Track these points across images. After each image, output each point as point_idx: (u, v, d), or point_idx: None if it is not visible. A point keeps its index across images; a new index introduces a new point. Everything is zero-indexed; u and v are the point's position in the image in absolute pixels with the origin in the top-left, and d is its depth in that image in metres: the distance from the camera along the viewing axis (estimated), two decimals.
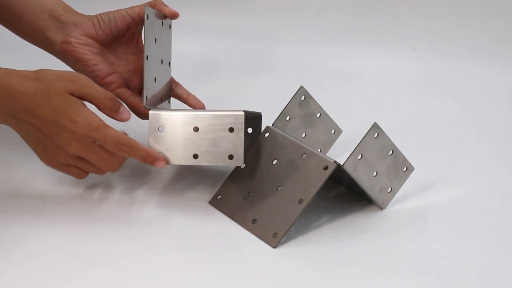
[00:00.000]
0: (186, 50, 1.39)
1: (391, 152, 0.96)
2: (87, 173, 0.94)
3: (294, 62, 1.38)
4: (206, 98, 1.22)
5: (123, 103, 0.93)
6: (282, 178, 0.94)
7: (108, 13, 1.01)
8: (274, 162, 0.96)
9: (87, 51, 1.00)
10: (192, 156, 0.94)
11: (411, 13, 1.40)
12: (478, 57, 1.38)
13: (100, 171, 0.93)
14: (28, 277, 0.83)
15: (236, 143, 0.94)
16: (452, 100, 1.31)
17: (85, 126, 0.88)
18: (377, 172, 0.95)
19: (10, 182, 0.99)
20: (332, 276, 0.87)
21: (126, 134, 0.91)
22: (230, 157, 0.94)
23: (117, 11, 1.01)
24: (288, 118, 1.02)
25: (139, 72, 1.03)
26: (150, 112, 0.94)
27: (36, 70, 0.90)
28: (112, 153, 0.91)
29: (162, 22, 1.01)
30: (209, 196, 0.99)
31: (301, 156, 0.94)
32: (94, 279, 0.83)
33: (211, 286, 0.84)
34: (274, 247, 0.90)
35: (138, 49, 1.03)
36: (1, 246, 0.87)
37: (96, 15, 1.01)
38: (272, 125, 1.00)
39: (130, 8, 1.01)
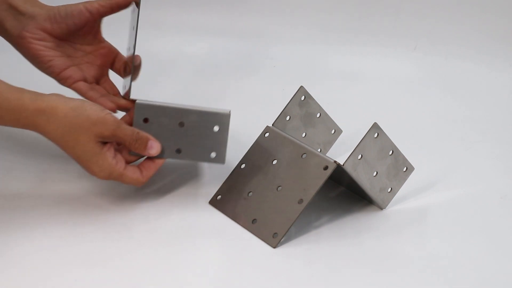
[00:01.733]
0: (186, 50, 1.39)
1: (391, 152, 0.96)
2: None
3: (294, 62, 1.38)
4: (206, 98, 1.22)
5: (151, 137, 0.94)
6: (282, 178, 0.94)
7: (66, 6, 0.99)
8: (274, 162, 0.96)
9: (42, 47, 0.99)
10: (175, 150, 0.95)
11: (411, 13, 1.40)
12: (478, 57, 1.38)
13: None
14: (28, 277, 0.83)
15: (220, 142, 0.96)
16: (452, 100, 1.31)
17: (104, 176, 0.92)
18: (377, 172, 0.95)
19: (9, 182, 0.99)
20: (332, 276, 0.87)
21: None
22: (213, 155, 0.96)
23: (75, 5, 0.99)
24: (288, 118, 1.02)
25: (98, 62, 1.03)
26: (136, 102, 0.95)
27: (76, 106, 0.90)
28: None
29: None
30: (209, 196, 0.99)
31: (301, 156, 0.94)
32: (94, 278, 0.83)
33: (211, 286, 0.84)
34: (274, 247, 0.90)
35: (96, 40, 1.03)
36: (0, 246, 0.87)
37: (54, 8, 0.99)
38: (272, 125, 1.00)
39: (89, 2, 1.00)
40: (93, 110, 0.90)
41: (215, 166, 1.05)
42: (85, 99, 0.93)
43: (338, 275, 0.87)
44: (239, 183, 0.97)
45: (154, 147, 0.94)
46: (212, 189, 0.99)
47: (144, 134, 0.93)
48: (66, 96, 0.91)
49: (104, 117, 0.90)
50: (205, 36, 1.42)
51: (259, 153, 0.98)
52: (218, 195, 0.98)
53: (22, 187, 0.98)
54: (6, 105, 0.87)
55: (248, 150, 0.99)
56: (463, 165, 1.11)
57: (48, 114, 0.89)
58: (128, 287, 0.83)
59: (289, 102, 1.02)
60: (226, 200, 0.97)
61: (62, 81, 1.00)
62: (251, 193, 0.95)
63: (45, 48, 0.99)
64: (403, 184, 0.99)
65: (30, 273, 0.83)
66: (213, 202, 0.98)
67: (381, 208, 0.99)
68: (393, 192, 0.98)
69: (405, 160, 0.97)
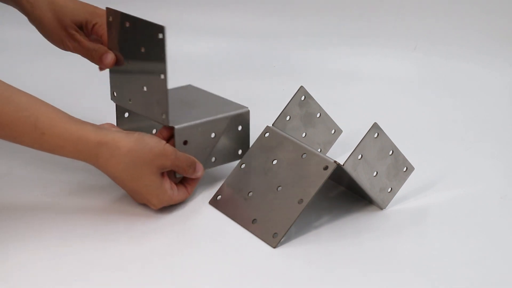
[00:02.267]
0: (186, 50, 1.39)
1: (391, 152, 0.96)
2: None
3: (294, 62, 1.38)
4: None
5: (196, 160, 0.96)
6: (282, 178, 0.94)
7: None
8: (274, 162, 0.96)
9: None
10: (212, 160, 1.00)
11: (411, 13, 1.40)
12: (478, 57, 1.38)
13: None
14: (28, 277, 0.83)
15: (244, 138, 1.02)
16: (452, 100, 1.31)
17: (159, 204, 0.94)
18: (377, 172, 0.95)
19: (10, 184, 0.99)
20: (332, 276, 0.87)
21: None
22: (240, 152, 1.01)
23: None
24: (288, 118, 1.02)
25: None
26: (176, 128, 0.96)
27: (137, 139, 0.91)
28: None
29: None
30: (209, 196, 0.99)
31: (301, 156, 0.94)
32: (94, 279, 0.83)
33: (211, 286, 0.84)
34: (274, 247, 0.90)
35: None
36: (1, 246, 0.87)
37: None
38: (272, 125, 1.00)
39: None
40: (154, 143, 0.91)
41: (214, 167, 1.05)
42: (142, 133, 0.94)
43: (338, 275, 0.87)
44: (239, 183, 0.97)
45: (200, 169, 0.96)
46: (212, 189, 0.99)
47: (192, 158, 0.96)
48: (123, 130, 0.94)
49: (164, 148, 0.92)
50: (205, 36, 1.42)
51: (259, 153, 0.98)
52: (218, 195, 0.98)
53: (22, 188, 0.98)
54: (67, 135, 0.88)
55: (248, 150, 0.99)
56: (463, 165, 1.11)
57: (111, 147, 0.89)
58: (128, 287, 0.83)
59: (289, 102, 1.02)
60: (226, 200, 0.97)
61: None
62: (251, 193, 0.95)
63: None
64: (403, 184, 0.98)
65: (30, 273, 0.83)
66: (213, 202, 0.98)
67: (381, 208, 0.99)
68: (393, 192, 0.98)
69: (405, 160, 0.97)
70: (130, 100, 0.99)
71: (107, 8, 0.97)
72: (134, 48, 0.96)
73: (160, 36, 0.92)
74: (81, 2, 1.01)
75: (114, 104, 1.02)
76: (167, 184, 0.94)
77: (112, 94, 1.01)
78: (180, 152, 0.94)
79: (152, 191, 0.93)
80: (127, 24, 0.96)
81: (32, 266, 0.84)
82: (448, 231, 0.96)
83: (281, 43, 1.41)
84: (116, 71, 0.99)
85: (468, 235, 0.95)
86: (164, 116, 0.95)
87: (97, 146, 0.89)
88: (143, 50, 0.95)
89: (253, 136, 1.00)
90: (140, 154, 0.91)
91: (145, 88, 0.96)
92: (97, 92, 1.20)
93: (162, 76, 0.94)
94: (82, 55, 1.00)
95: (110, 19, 0.97)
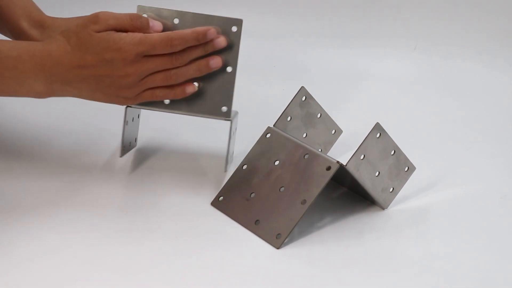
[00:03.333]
0: None
1: (393, 152, 0.96)
2: (161, 89, 0.94)
3: (294, 62, 1.38)
4: None
5: (149, 17, 0.93)
6: (284, 179, 0.94)
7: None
8: (276, 162, 0.96)
9: None
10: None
11: (411, 13, 1.40)
12: (478, 57, 1.38)
13: (171, 77, 0.93)
14: (28, 277, 0.83)
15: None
16: (452, 100, 1.32)
17: (130, 47, 0.90)
18: (379, 172, 0.95)
19: (10, 183, 0.99)
20: (336, 276, 0.87)
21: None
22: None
23: None
24: (289, 118, 1.02)
25: None
26: None
27: (62, 31, 0.91)
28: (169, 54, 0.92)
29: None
30: (211, 198, 0.98)
31: (304, 156, 0.94)
32: (94, 279, 0.83)
33: (214, 287, 0.84)
34: (278, 248, 0.90)
35: None
36: (1, 246, 0.87)
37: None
38: (274, 125, 1.00)
39: None
40: (76, 19, 0.93)
41: (216, 167, 1.05)
42: None
43: (341, 275, 0.87)
44: (241, 184, 0.97)
45: (156, 23, 0.93)
46: (214, 191, 0.99)
47: (134, 13, 0.92)
48: None
49: (89, 16, 0.90)
50: None
51: (261, 154, 0.98)
52: (220, 196, 0.98)
53: (22, 187, 0.98)
54: (17, 49, 0.90)
55: (250, 151, 0.99)
56: (464, 165, 1.11)
57: (53, 37, 0.91)
58: (129, 287, 0.83)
59: (290, 102, 1.02)
60: (228, 201, 0.96)
61: None
62: (253, 194, 0.95)
63: None
64: (404, 184, 0.99)
65: (30, 273, 0.83)
66: (215, 204, 0.97)
67: (383, 208, 0.99)
68: (394, 192, 0.98)
69: (406, 160, 0.98)
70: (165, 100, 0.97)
71: (140, 6, 0.95)
72: None
73: (235, 29, 0.93)
74: (79, 16, 1.00)
75: (114, 105, 1.02)
76: (120, 32, 0.90)
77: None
78: (120, 13, 0.92)
79: (107, 42, 0.90)
80: (176, 21, 0.95)
81: (32, 266, 0.84)
82: (449, 231, 0.96)
83: (281, 43, 1.41)
84: None
85: (469, 235, 0.96)
86: (225, 109, 0.96)
87: (43, 45, 0.90)
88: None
89: (254, 137, 1.00)
90: (71, 31, 0.90)
91: (196, 85, 0.96)
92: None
93: (230, 69, 0.95)
94: None
95: (145, 16, 0.94)
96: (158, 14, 0.95)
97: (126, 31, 0.91)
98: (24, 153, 1.05)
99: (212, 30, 0.93)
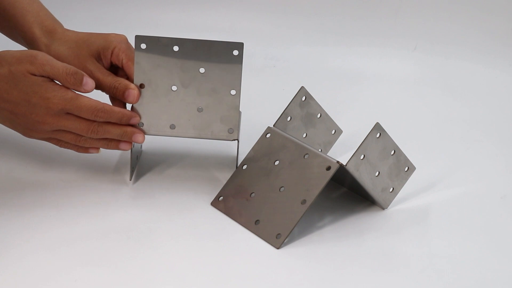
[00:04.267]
0: None
1: (393, 152, 0.96)
2: (67, 143, 0.95)
3: (294, 62, 1.38)
4: None
5: (85, 75, 0.92)
6: (284, 179, 0.94)
7: (96, 44, 0.98)
8: (276, 162, 0.96)
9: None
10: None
11: (411, 13, 1.40)
12: (478, 57, 1.38)
13: (80, 141, 0.94)
14: (28, 277, 0.83)
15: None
16: (452, 100, 1.31)
17: (58, 101, 0.89)
18: (379, 172, 0.95)
19: (9, 182, 0.99)
20: (336, 276, 0.87)
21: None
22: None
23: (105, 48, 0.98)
24: (289, 118, 1.02)
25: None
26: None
27: None
28: (92, 121, 0.93)
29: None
30: (211, 197, 0.98)
31: (304, 156, 0.94)
32: (94, 279, 0.83)
33: (214, 287, 0.84)
34: (278, 248, 0.90)
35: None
36: (1, 245, 0.87)
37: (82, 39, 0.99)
38: (274, 125, 1.00)
39: (117, 47, 0.98)
40: (15, 51, 0.89)
41: (216, 168, 1.05)
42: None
43: (341, 275, 0.87)
44: (241, 184, 0.97)
45: (89, 83, 0.92)
46: (214, 190, 0.99)
47: (78, 69, 0.91)
48: None
49: (28, 53, 0.89)
50: (205, 36, 1.41)
51: (261, 154, 0.98)
52: (220, 196, 0.98)
53: (22, 187, 0.98)
54: None
55: (250, 151, 0.99)
56: (464, 165, 1.11)
57: None
58: (129, 287, 0.83)
59: (290, 102, 1.02)
60: (228, 201, 0.96)
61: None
62: (253, 194, 0.95)
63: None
64: (404, 183, 0.99)
65: (30, 273, 0.83)
66: (215, 203, 0.97)
67: (383, 208, 0.99)
68: (394, 192, 0.98)
69: (406, 160, 0.98)
70: (171, 126, 0.98)
71: (138, 36, 0.94)
72: (187, 71, 0.96)
73: (236, 52, 0.95)
74: (90, 32, 1.00)
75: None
76: (55, 83, 0.89)
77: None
78: (59, 62, 0.90)
79: (38, 88, 0.89)
80: (176, 48, 0.95)
81: (31, 267, 0.84)
82: (449, 231, 0.96)
83: (281, 43, 1.41)
84: (146, 101, 0.97)
85: (469, 235, 0.96)
86: (232, 132, 0.98)
87: None
88: (202, 70, 0.96)
89: (254, 137, 1.00)
90: (3, 60, 0.89)
91: (200, 109, 0.97)
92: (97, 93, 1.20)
93: (234, 92, 0.96)
94: (104, 92, 0.98)
95: (143, 46, 0.95)
96: (157, 42, 0.95)
97: (59, 81, 0.91)
98: (24, 152, 1.05)
99: (136, 119, 0.95)
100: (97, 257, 0.86)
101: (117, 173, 1.02)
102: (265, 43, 1.39)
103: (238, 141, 1.00)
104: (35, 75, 0.89)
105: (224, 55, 0.96)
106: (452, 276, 0.88)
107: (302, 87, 1.03)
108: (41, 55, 0.90)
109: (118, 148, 0.96)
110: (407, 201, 1.01)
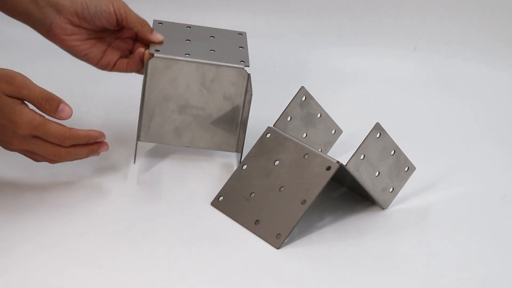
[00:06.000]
0: None
1: (393, 152, 0.96)
2: (40, 157, 0.93)
3: (294, 62, 1.38)
4: None
5: (63, 101, 0.91)
6: (284, 179, 0.94)
7: (95, 3, 0.97)
8: (276, 162, 0.96)
9: (74, 41, 0.98)
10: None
11: (411, 13, 1.40)
12: (478, 57, 1.38)
13: (50, 160, 0.93)
14: (28, 277, 0.83)
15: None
16: (452, 100, 1.31)
17: (25, 126, 0.88)
18: (379, 172, 0.95)
19: (9, 181, 0.99)
20: (336, 276, 0.87)
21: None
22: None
23: (105, 4, 0.98)
24: (289, 118, 1.02)
25: (127, 35, 1.02)
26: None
27: None
28: (59, 146, 0.91)
29: None
30: (211, 198, 0.98)
31: (304, 156, 0.94)
32: (94, 279, 0.83)
33: (214, 287, 0.84)
34: (278, 248, 0.90)
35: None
36: (1, 245, 0.87)
37: (80, 1, 0.97)
38: (274, 125, 1.00)
39: (120, 5, 0.98)
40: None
41: (216, 168, 1.05)
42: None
43: (341, 275, 0.87)
44: (241, 184, 0.97)
45: (66, 111, 0.91)
46: (214, 191, 0.99)
47: (55, 96, 0.90)
48: None
49: (7, 74, 0.88)
50: None
51: (261, 154, 0.98)
52: (220, 196, 0.98)
53: (21, 187, 0.98)
54: None
55: (250, 151, 0.99)
56: (464, 165, 1.11)
57: None
58: (129, 287, 0.83)
59: (290, 102, 1.02)
60: (229, 201, 0.96)
61: (102, 68, 1.01)
62: (253, 194, 0.95)
63: (77, 42, 0.98)
64: (404, 183, 0.99)
65: (30, 273, 0.83)
66: (215, 203, 0.97)
67: (383, 208, 0.99)
68: (394, 192, 0.98)
69: (406, 159, 0.98)
70: (186, 138, 1.02)
71: (156, 20, 1.01)
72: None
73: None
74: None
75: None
76: (26, 106, 0.88)
77: (140, 135, 1.02)
78: (38, 86, 0.89)
79: (8, 110, 0.87)
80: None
81: (31, 266, 0.84)
82: (449, 231, 0.97)
83: (281, 43, 1.41)
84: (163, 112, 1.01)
85: (469, 235, 0.96)
86: (234, 144, 1.02)
87: None
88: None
89: (254, 137, 1.00)
90: None
91: (210, 123, 1.01)
92: (97, 93, 1.20)
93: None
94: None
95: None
96: (172, 26, 1.03)
97: (35, 106, 0.89)
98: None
99: (102, 138, 0.94)
100: (97, 257, 0.86)
101: (117, 173, 1.02)
102: (265, 43, 1.39)
103: (240, 159, 1.01)
104: (11, 96, 0.88)
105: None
106: (452, 276, 0.88)
107: (302, 87, 1.03)
108: (20, 77, 0.89)
109: (90, 155, 0.96)
110: (407, 201, 1.01)
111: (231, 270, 0.86)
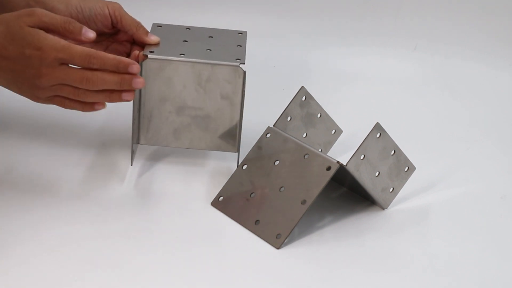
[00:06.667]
0: None
1: (393, 152, 0.96)
2: (70, 100, 0.91)
3: (294, 62, 1.38)
4: None
5: (84, 26, 0.91)
6: (284, 179, 0.94)
7: (89, 5, 0.97)
8: (277, 162, 0.96)
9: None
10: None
11: (411, 13, 1.40)
12: (478, 57, 1.38)
13: (80, 94, 0.90)
14: (28, 277, 0.83)
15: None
16: (452, 100, 1.31)
17: (51, 50, 0.87)
18: (379, 172, 0.95)
19: (10, 182, 0.99)
20: (336, 276, 0.87)
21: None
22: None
23: (100, 7, 0.98)
24: (289, 118, 1.02)
25: (124, 38, 1.02)
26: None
27: None
28: (86, 70, 0.89)
29: None
30: (211, 198, 0.98)
31: (304, 156, 0.94)
32: (94, 279, 0.83)
33: (214, 287, 0.84)
34: (278, 248, 0.90)
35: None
36: (1, 245, 0.87)
37: (75, 3, 0.97)
38: (274, 125, 1.00)
39: (115, 7, 0.98)
40: (15, 11, 0.88)
41: (216, 167, 1.05)
42: None
43: (341, 275, 0.87)
44: (241, 184, 0.97)
45: (89, 32, 0.90)
46: (214, 190, 0.99)
47: (69, 18, 0.90)
48: None
49: (27, 9, 0.88)
50: None
51: (261, 154, 0.98)
52: (220, 196, 0.98)
53: (22, 187, 0.98)
54: None
55: (250, 151, 0.99)
56: (464, 165, 1.11)
57: None
58: (129, 287, 0.83)
59: (290, 102, 1.02)
60: (229, 201, 0.96)
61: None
62: (253, 194, 0.95)
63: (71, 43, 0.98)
64: (404, 183, 0.99)
65: (30, 273, 0.83)
66: (215, 203, 0.97)
67: (383, 208, 0.99)
68: (394, 192, 0.98)
69: (406, 160, 0.98)
70: (186, 139, 1.02)
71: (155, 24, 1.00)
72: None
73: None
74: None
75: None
76: (49, 34, 0.88)
77: (138, 139, 1.02)
78: (57, 15, 0.90)
79: (32, 39, 0.87)
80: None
81: (31, 266, 0.84)
82: (449, 231, 0.97)
83: (281, 43, 1.41)
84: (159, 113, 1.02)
85: (469, 235, 0.96)
86: (233, 143, 1.02)
87: None
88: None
89: (254, 137, 1.00)
90: (3, 19, 0.88)
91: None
92: None
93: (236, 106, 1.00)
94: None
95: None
96: (171, 29, 1.03)
97: (58, 32, 0.89)
98: (23, 152, 1.05)
99: (136, 66, 0.90)
100: (97, 257, 0.87)
101: (117, 173, 1.02)
102: (265, 43, 1.39)
103: (238, 159, 1.01)
104: (33, 27, 0.88)
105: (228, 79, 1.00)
106: (452, 276, 0.88)
107: (302, 87, 1.03)
108: (40, 9, 0.89)
109: (121, 100, 0.91)
110: (407, 201, 1.01)
111: (231, 270, 0.86)
